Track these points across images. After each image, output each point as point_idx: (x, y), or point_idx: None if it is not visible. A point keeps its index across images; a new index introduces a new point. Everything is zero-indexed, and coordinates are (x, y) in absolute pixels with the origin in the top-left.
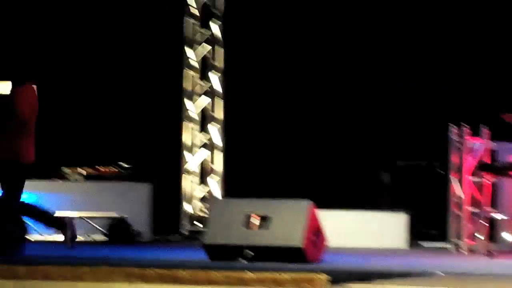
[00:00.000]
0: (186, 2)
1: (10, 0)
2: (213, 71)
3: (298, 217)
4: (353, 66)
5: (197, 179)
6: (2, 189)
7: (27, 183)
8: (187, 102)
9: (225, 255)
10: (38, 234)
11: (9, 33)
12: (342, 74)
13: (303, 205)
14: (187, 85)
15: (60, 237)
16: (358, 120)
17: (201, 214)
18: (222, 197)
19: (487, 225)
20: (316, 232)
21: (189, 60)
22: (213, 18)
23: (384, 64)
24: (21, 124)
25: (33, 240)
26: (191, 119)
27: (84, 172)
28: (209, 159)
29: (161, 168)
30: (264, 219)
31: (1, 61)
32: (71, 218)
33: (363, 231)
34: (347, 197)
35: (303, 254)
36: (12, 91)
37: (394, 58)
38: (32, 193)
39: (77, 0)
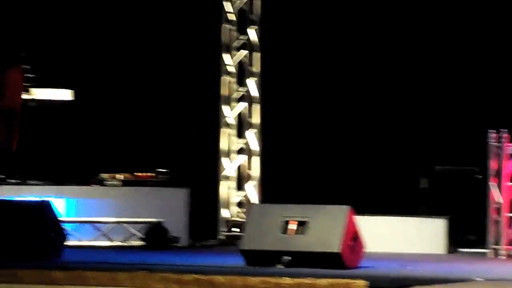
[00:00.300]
0: (223, 8)
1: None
2: (250, 76)
3: (336, 222)
4: (392, 71)
5: (234, 184)
6: None
7: (66, 189)
8: (224, 107)
9: (262, 260)
10: (76, 239)
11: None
12: (382, 79)
13: (341, 211)
14: (224, 90)
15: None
16: (396, 125)
17: (238, 219)
18: (259, 202)
19: None
20: (354, 238)
21: (226, 65)
22: (249, 24)
23: (422, 70)
24: (6, 110)
25: (71, 245)
26: (228, 125)
27: (122, 178)
28: (246, 164)
29: (198, 173)
30: (301, 224)
31: None
32: None
33: (401, 236)
34: (386, 202)
35: (341, 260)
36: None
37: (434, 63)
38: (71, 198)
39: (114, 9)
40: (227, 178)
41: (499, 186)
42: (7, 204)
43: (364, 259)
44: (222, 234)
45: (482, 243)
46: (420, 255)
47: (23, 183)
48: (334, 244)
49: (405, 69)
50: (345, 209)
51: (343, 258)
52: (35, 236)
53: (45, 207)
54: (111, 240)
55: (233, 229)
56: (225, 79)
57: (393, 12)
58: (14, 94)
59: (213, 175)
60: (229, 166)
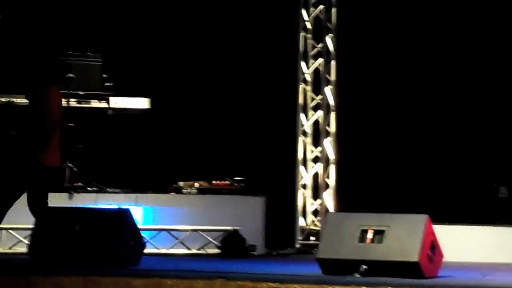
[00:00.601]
0: (300, 16)
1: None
2: (326, 84)
3: (413, 231)
4: (473, 77)
5: (310, 193)
6: (33, 194)
7: (143, 197)
8: (300, 116)
9: (339, 269)
10: (153, 247)
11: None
12: (460, 86)
13: (419, 219)
14: (300, 99)
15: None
16: (475, 132)
17: (315, 227)
18: (336, 211)
19: None
20: (432, 247)
21: (303, 74)
22: (326, 32)
23: (503, 78)
24: (52, 125)
25: (148, 253)
26: (304, 133)
27: (199, 186)
28: (322, 172)
29: (274, 181)
30: (378, 233)
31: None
32: None
33: (479, 246)
34: (464, 211)
35: (419, 269)
36: (40, 93)
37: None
38: (148, 206)
39: (190, 18)
40: (303, 186)
41: None
42: (85, 212)
43: (442, 269)
44: (299, 242)
45: None
46: (498, 265)
47: (102, 191)
48: (412, 253)
49: (484, 76)
50: (423, 218)
51: (421, 268)
52: (114, 244)
53: (124, 215)
54: (188, 248)
55: (309, 237)
56: (302, 87)
57: (478, 12)
58: (56, 110)
59: (289, 184)
60: (305, 174)
